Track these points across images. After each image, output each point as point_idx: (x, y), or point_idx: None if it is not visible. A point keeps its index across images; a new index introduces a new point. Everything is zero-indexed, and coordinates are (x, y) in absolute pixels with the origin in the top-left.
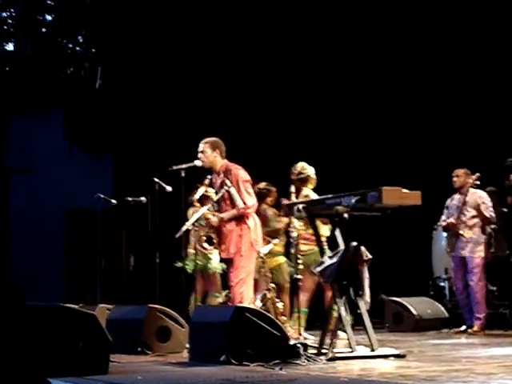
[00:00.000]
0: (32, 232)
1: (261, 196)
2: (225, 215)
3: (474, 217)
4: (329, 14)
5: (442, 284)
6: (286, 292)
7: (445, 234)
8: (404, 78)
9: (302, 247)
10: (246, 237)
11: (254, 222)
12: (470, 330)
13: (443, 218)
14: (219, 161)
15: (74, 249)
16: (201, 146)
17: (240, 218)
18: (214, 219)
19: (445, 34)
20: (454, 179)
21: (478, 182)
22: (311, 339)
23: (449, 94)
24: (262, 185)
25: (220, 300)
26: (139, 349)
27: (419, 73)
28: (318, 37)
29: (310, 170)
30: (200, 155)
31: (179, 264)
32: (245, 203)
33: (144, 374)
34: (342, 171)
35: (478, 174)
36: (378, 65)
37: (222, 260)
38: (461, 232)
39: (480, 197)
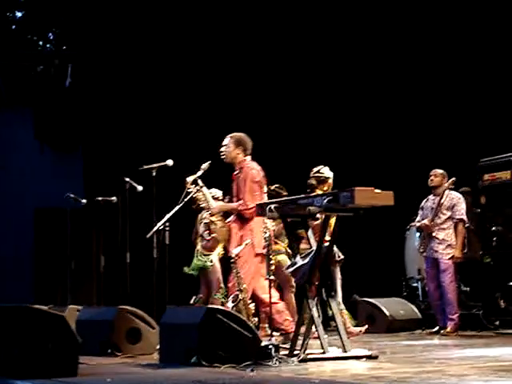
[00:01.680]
0: (1, 230)
1: (271, 197)
2: (225, 205)
3: (447, 219)
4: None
5: (415, 285)
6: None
7: (418, 235)
8: (379, 79)
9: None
10: (248, 238)
11: (258, 223)
12: (442, 331)
13: (418, 218)
14: (241, 157)
15: (44, 248)
16: (225, 140)
17: (244, 218)
18: (213, 206)
19: (423, 37)
20: (432, 178)
21: (452, 187)
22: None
23: (423, 96)
24: (273, 186)
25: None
26: (109, 350)
27: (395, 74)
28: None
29: (329, 174)
30: (223, 149)
31: (187, 270)
32: (245, 202)
33: (113, 375)
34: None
35: (453, 179)
36: (355, 66)
37: None
38: (434, 234)
39: (453, 198)
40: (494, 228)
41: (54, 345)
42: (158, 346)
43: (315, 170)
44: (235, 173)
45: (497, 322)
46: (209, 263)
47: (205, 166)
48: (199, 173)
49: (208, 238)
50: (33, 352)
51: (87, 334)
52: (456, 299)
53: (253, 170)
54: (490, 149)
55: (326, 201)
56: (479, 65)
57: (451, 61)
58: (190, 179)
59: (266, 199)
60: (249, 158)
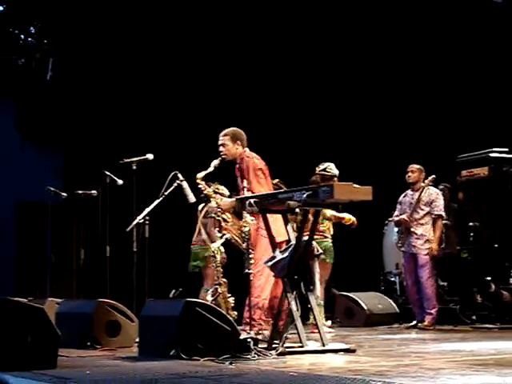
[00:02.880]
0: None
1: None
2: (234, 199)
3: (426, 214)
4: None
5: (393, 279)
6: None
7: (396, 230)
8: (360, 77)
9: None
10: (263, 229)
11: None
12: (420, 325)
13: (396, 213)
14: (240, 151)
15: (24, 242)
16: (220, 139)
17: None
18: (224, 202)
19: (404, 38)
20: (409, 174)
21: (431, 184)
22: (332, 332)
23: (402, 91)
24: (275, 181)
25: (209, 298)
26: (88, 343)
27: (375, 71)
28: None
29: (336, 172)
30: (221, 149)
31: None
32: (252, 192)
33: (93, 368)
34: (293, 165)
35: (433, 176)
36: (333, 64)
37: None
38: (412, 229)
39: (431, 194)
40: (471, 223)
41: (34, 337)
42: (137, 339)
43: (322, 166)
44: (237, 166)
45: (473, 317)
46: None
47: (215, 162)
48: (209, 169)
49: (219, 235)
50: (12, 344)
51: (66, 327)
52: (434, 294)
53: (253, 158)
54: (468, 145)
55: (305, 195)
56: (458, 62)
57: (431, 58)
58: (200, 175)
59: (270, 187)
60: (247, 149)
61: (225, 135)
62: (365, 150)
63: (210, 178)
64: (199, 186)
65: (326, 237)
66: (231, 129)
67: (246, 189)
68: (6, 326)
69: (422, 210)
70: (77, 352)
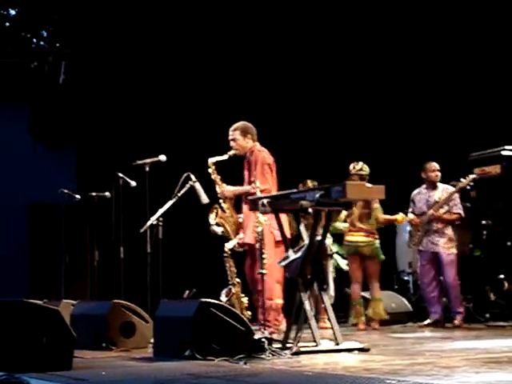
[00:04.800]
0: None
1: None
2: (237, 188)
3: (445, 213)
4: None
5: (406, 278)
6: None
7: (409, 228)
8: (372, 74)
9: (361, 238)
10: (264, 225)
11: None
12: (450, 325)
13: (410, 210)
14: (251, 144)
15: (38, 244)
16: (231, 134)
17: None
18: (226, 190)
19: (416, 36)
20: (437, 173)
21: (472, 183)
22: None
23: (413, 88)
24: (310, 182)
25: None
26: (103, 344)
27: (388, 68)
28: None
29: (368, 170)
30: (232, 144)
31: None
32: (256, 185)
33: (108, 369)
34: (304, 164)
35: (473, 176)
36: (349, 60)
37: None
38: (434, 228)
39: (449, 192)
40: (483, 222)
41: (49, 339)
42: (151, 340)
43: (357, 167)
44: (246, 159)
45: (487, 315)
46: None
47: (231, 152)
48: (224, 157)
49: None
50: (27, 346)
51: (82, 328)
52: (460, 292)
53: (263, 152)
54: (481, 143)
55: (318, 195)
56: (470, 59)
57: (443, 56)
58: (211, 160)
59: (275, 183)
60: (257, 143)
61: (235, 130)
62: (377, 147)
63: (222, 167)
64: (209, 170)
65: (376, 238)
66: (241, 123)
67: (249, 181)
68: (22, 328)
69: (442, 208)
70: (92, 353)
